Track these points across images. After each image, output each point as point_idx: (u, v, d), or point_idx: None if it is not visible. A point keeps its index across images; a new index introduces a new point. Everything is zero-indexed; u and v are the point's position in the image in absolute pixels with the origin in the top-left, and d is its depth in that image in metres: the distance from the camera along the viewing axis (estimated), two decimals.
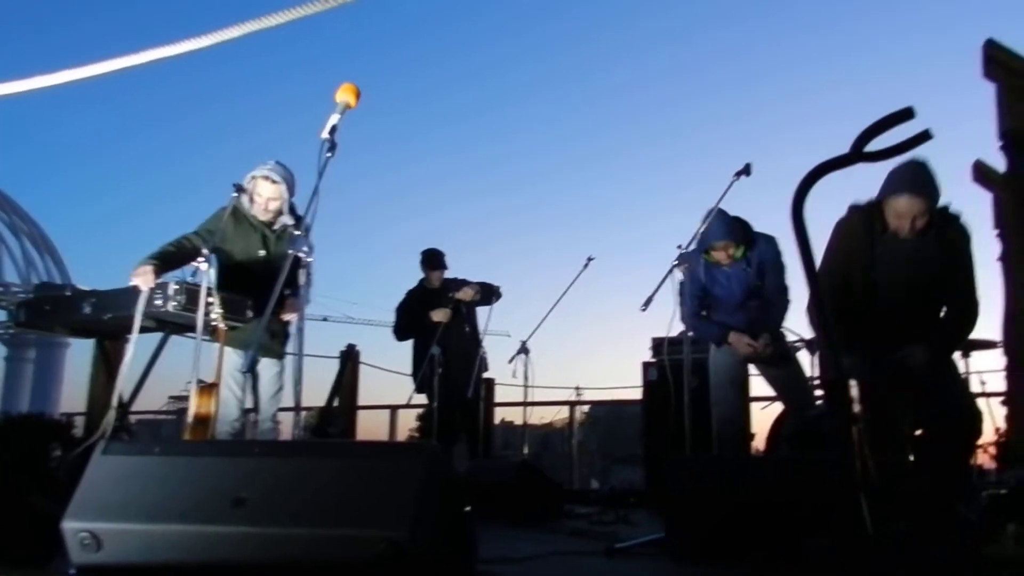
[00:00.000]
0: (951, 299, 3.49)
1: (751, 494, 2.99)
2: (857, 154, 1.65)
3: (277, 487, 1.84)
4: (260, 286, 4.18)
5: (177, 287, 4.02)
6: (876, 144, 1.68)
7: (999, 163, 2.01)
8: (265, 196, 4.47)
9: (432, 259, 6.31)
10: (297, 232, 3.30)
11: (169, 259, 4.29)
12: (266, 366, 4.58)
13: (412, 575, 1.75)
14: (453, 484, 2.09)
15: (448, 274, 6.36)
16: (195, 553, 1.79)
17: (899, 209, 3.35)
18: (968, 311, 3.51)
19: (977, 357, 3.79)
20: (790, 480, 2.99)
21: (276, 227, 4.51)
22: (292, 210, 4.50)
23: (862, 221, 3.47)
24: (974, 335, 5.38)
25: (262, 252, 4.52)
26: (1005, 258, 2.50)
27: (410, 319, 6.24)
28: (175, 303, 4.03)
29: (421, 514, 1.77)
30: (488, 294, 6.20)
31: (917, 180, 3.39)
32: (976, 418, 3.39)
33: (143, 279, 4.04)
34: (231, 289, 4.21)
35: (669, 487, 3.22)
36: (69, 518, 1.85)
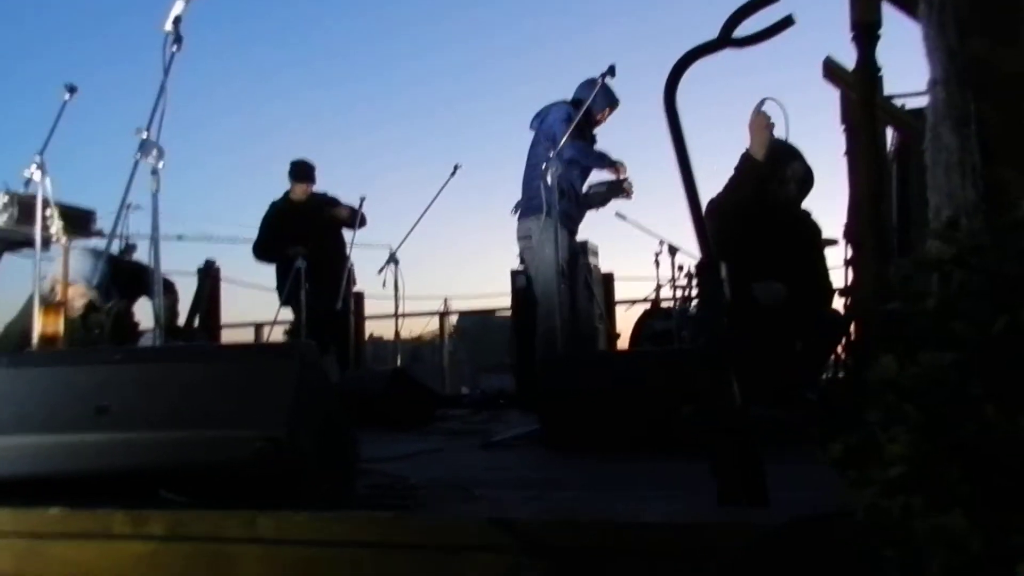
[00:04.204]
0: (809, 277, 3.81)
1: (620, 386, 3.14)
2: (725, 40, 1.68)
3: (144, 393, 1.75)
4: None
5: (7, 199, 3.67)
6: (743, 31, 1.72)
7: (851, 57, 2.11)
8: None
9: (300, 171, 6.09)
10: (144, 136, 3.07)
11: None
12: None
13: (291, 473, 1.73)
14: (328, 384, 2.05)
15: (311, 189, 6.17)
16: (57, 463, 1.69)
17: (790, 174, 3.64)
18: (824, 287, 3.87)
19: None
20: (655, 371, 3.15)
21: None
22: None
23: (749, 202, 3.71)
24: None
25: None
26: (850, 152, 2.67)
27: (274, 234, 6.02)
28: (6, 216, 3.69)
29: (298, 412, 1.74)
30: (361, 219, 6.10)
31: (794, 149, 3.71)
32: (839, 326, 3.70)
33: None
34: None
35: (543, 383, 3.32)
36: None
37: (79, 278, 4.14)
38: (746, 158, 3.66)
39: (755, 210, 3.73)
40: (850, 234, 3.39)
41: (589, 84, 4.50)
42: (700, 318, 4.41)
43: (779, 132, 3.70)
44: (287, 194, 6.16)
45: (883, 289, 1.93)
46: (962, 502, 0.62)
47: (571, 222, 4.55)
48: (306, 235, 5.80)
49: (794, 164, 3.70)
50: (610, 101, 4.59)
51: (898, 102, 3.52)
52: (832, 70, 2.80)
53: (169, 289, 4.86)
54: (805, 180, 3.72)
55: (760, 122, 3.62)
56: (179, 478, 1.69)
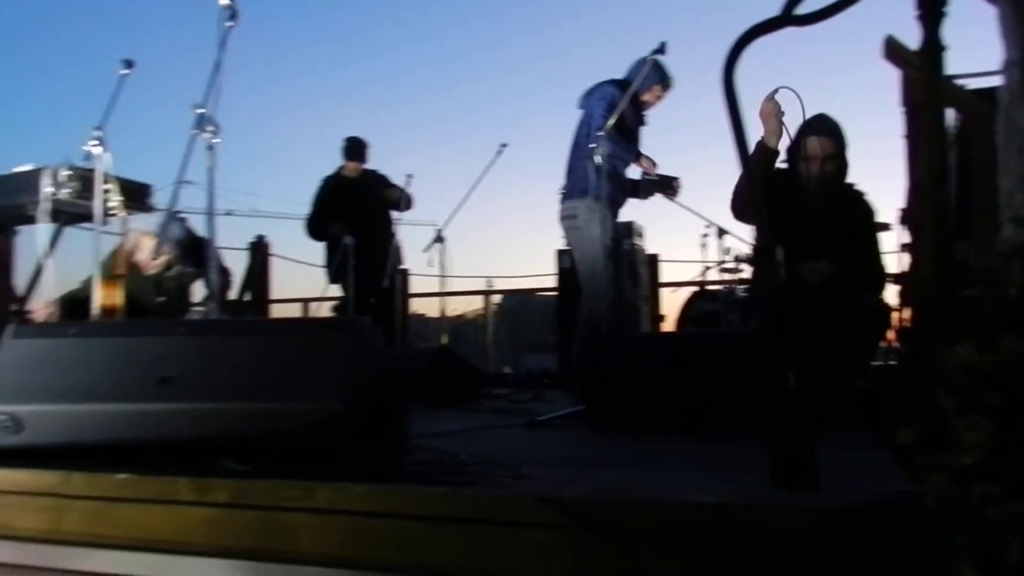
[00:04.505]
0: (857, 257, 3.65)
1: (663, 368, 3.13)
2: (787, 17, 1.65)
3: (206, 364, 1.81)
4: None
5: (70, 172, 3.77)
6: (806, 8, 1.68)
7: (912, 35, 2.05)
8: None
9: (354, 148, 6.18)
10: (202, 110, 3.13)
11: None
12: None
13: (345, 444, 1.76)
14: (382, 360, 2.09)
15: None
16: (121, 432, 1.75)
17: (810, 151, 3.56)
18: (876, 271, 3.73)
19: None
20: (699, 353, 3.13)
21: None
22: None
23: (782, 177, 3.65)
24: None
25: None
26: (909, 134, 2.59)
27: (326, 211, 6.12)
28: (68, 190, 3.78)
29: (352, 386, 1.78)
30: (406, 202, 6.17)
31: (824, 123, 3.62)
32: (883, 319, 3.62)
33: None
34: None
35: (586, 364, 3.32)
36: None
37: (162, 239, 4.23)
38: (760, 146, 3.60)
39: (769, 197, 3.64)
40: (908, 218, 3.31)
41: (640, 63, 4.43)
42: (754, 300, 4.33)
43: (794, 121, 3.61)
44: (339, 170, 6.24)
45: (944, 275, 1.89)
46: None
47: (615, 204, 4.51)
48: (357, 212, 5.88)
49: (811, 140, 3.60)
50: (660, 79, 4.51)
51: (957, 83, 3.41)
52: (894, 49, 2.72)
53: (225, 274, 4.96)
54: (831, 156, 3.61)
55: (770, 109, 3.57)
56: (237, 447, 1.74)
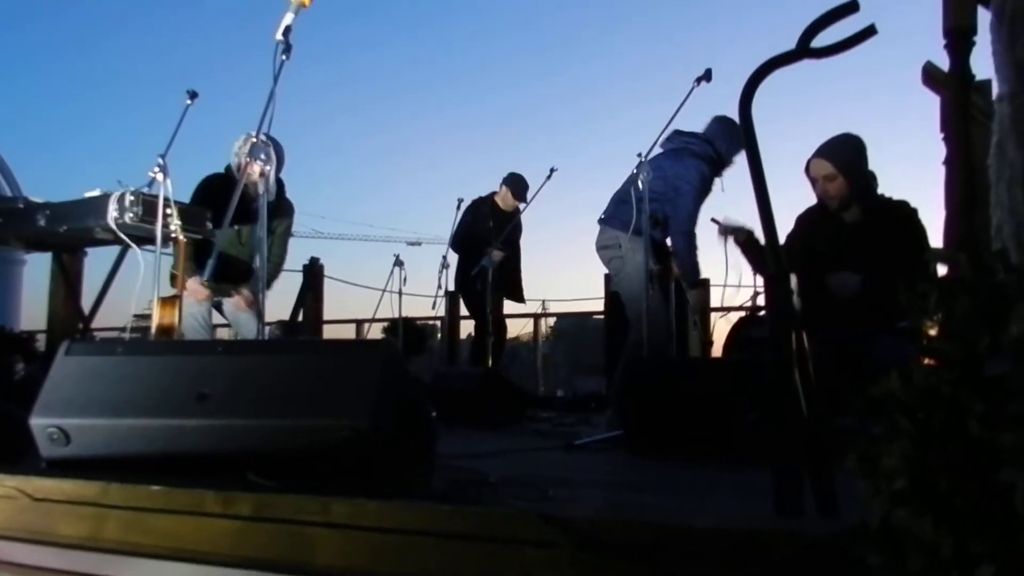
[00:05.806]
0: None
1: (703, 393, 3.12)
2: (803, 50, 1.67)
3: (240, 382, 1.90)
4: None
5: (133, 198, 3.96)
6: (823, 40, 1.70)
7: (947, 64, 2.05)
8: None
9: (522, 189, 6.44)
10: (255, 141, 3.28)
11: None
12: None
13: (373, 462, 1.83)
14: (411, 380, 2.15)
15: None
16: (161, 445, 1.85)
17: (810, 173, 3.56)
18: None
19: None
20: (739, 378, 3.11)
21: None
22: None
23: (813, 210, 3.69)
24: None
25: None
26: (949, 161, 2.57)
27: (473, 229, 6.31)
28: (132, 214, 3.97)
29: (380, 404, 1.84)
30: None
31: (827, 144, 3.58)
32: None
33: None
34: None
35: (626, 388, 3.33)
36: (36, 415, 1.90)
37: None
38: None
39: (806, 233, 3.67)
40: (947, 246, 3.23)
41: (726, 131, 4.38)
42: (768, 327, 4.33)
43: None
44: (491, 195, 6.45)
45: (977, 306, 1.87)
46: (947, 513, 0.63)
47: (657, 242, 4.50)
48: (494, 239, 6.16)
49: (810, 163, 3.57)
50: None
51: None
52: (932, 75, 2.70)
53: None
54: (829, 176, 3.54)
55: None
56: (269, 462, 1.81)
